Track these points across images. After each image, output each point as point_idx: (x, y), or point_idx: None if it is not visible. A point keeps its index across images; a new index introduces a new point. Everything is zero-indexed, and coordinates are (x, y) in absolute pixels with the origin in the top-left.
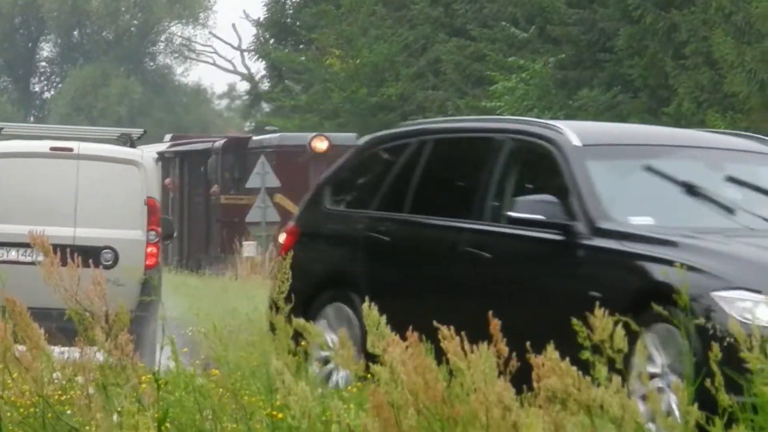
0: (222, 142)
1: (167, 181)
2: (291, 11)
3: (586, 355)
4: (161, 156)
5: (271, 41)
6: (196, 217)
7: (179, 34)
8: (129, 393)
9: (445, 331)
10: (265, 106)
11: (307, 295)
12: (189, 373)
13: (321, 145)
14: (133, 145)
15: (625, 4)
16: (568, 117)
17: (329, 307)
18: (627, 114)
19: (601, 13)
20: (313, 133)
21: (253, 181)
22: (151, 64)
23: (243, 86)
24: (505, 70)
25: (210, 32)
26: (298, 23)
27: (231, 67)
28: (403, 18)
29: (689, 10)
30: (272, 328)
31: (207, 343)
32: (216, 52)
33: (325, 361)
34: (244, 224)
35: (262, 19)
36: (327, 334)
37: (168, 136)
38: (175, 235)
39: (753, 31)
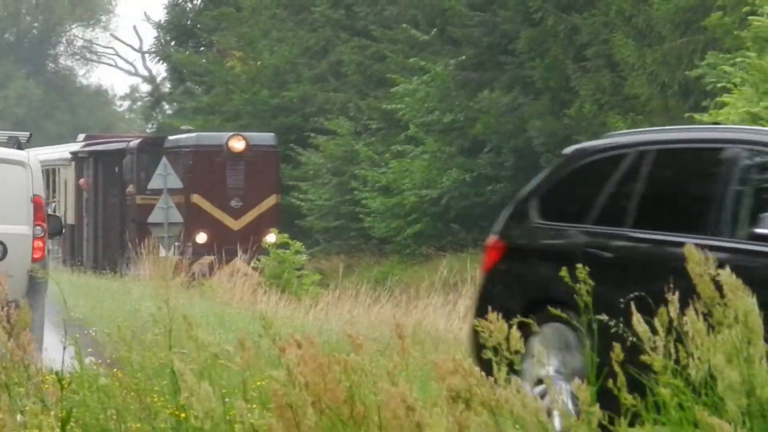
0: (137, 141)
1: (81, 181)
2: (191, 14)
3: (488, 354)
4: (75, 156)
5: (172, 43)
6: (111, 218)
7: (80, 36)
8: (32, 392)
9: (350, 332)
10: (167, 108)
11: (518, 313)
12: (93, 372)
13: (238, 145)
14: (20, 147)
15: (525, 6)
16: (469, 119)
17: (545, 326)
18: (528, 116)
19: (502, 15)
20: (231, 133)
21: (155, 182)
22: (53, 66)
23: (144, 88)
24: (407, 72)
25: (111, 34)
26: (198, 26)
27: (132, 70)
28: (304, 20)
29: (590, 13)
30: (476, 348)
31: (111, 344)
32: (117, 54)
33: (538, 381)
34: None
35: (162, 22)
36: (543, 355)
37: (81, 136)
38: (64, 231)
39: (653, 33)
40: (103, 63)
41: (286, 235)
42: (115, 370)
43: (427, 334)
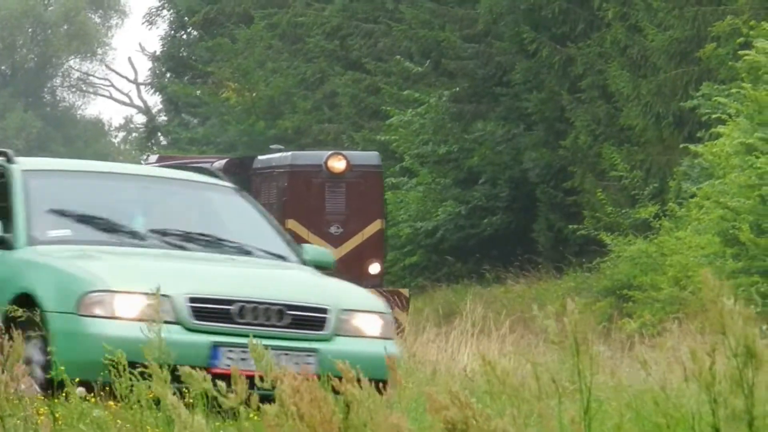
0: (223, 162)
1: None
2: (187, 45)
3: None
4: None
5: (167, 75)
6: None
7: (77, 68)
8: (27, 425)
9: (342, 365)
10: (162, 139)
11: None
12: (87, 405)
13: (338, 164)
14: None
15: (520, 38)
16: (464, 150)
17: None
18: (523, 147)
19: (497, 47)
20: (329, 152)
21: None
22: (49, 98)
23: (139, 119)
24: (401, 104)
25: (106, 66)
26: (194, 57)
27: (128, 101)
28: (299, 51)
29: (585, 44)
30: None
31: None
32: (113, 86)
33: None
34: None
35: (158, 53)
36: None
37: (154, 158)
38: None
39: (648, 64)
40: (99, 95)
41: None
42: (109, 401)
43: (421, 365)
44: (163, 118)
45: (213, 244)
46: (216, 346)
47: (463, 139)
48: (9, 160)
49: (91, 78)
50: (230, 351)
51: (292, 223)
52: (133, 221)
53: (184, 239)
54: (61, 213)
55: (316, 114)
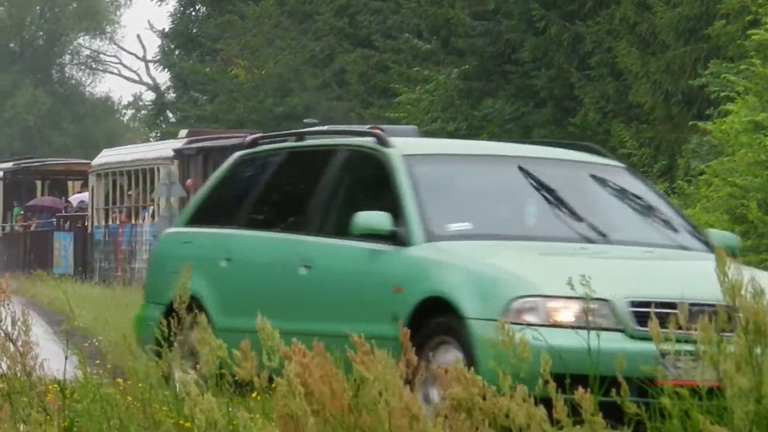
0: (257, 136)
1: (188, 182)
2: (196, 22)
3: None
4: (179, 153)
5: (177, 52)
6: None
7: (86, 46)
8: (35, 402)
9: (356, 338)
10: (171, 117)
11: None
12: (96, 382)
13: None
14: None
15: (529, 15)
16: (472, 128)
17: None
18: (533, 125)
19: (505, 24)
20: (367, 127)
21: (159, 193)
22: (59, 75)
23: (149, 96)
24: (410, 81)
25: (115, 43)
26: (202, 34)
27: (137, 78)
28: (308, 29)
29: (594, 21)
30: None
31: (115, 353)
32: (122, 63)
33: None
34: None
35: (167, 30)
36: None
37: (183, 132)
38: None
39: (657, 41)
40: (108, 72)
41: None
42: (118, 379)
43: None
44: (172, 95)
45: (627, 234)
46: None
47: (472, 116)
48: (383, 143)
49: (100, 56)
50: (678, 360)
51: None
52: (527, 210)
53: (594, 230)
54: (454, 203)
55: (325, 91)
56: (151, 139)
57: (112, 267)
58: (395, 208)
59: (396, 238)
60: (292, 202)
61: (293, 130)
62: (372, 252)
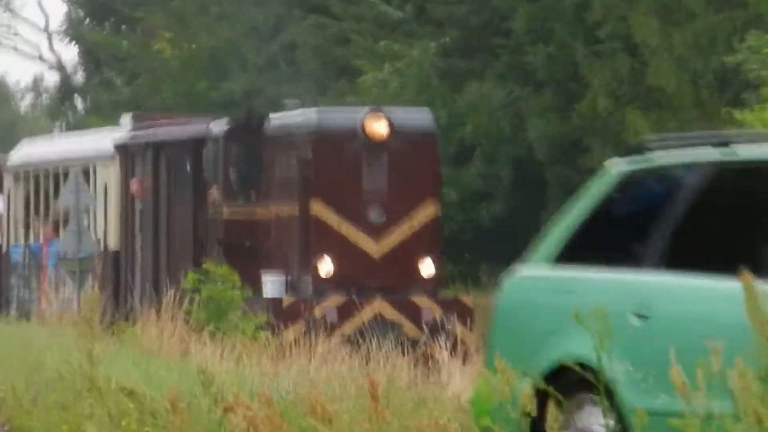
0: (224, 125)
1: (134, 185)
2: None
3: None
4: (121, 148)
5: (86, 21)
6: (180, 239)
7: None
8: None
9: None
10: (79, 103)
11: None
12: None
13: (379, 127)
14: None
15: None
16: (454, 117)
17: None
18: (528, 114)
19: None
20: (366, 108)
21: (63, 201)
22: None
23: (52, 77)
24: (376, 58)
25: (10, 10)
26: (119, 0)
27: (36, 54)
28: None
29: None
30: None
31: (7, 407)
32: (18, 35)
33: None
34: (256, 249)
35: None
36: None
37: (127, 117)
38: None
39: (682, 8)
40: (1, 47)
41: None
42: None
43: (401, 392)
44: (80, 76)
45: None
46: None
47: (453, 102)
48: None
49: None
50: None
51: (317, 208)
52: None
53: None
54: None
55: (271, 72)
56: (54, 130)
57: (34, 297)
58: None
59: None
60: (748, 237)
61: (708, 132)
62: None
